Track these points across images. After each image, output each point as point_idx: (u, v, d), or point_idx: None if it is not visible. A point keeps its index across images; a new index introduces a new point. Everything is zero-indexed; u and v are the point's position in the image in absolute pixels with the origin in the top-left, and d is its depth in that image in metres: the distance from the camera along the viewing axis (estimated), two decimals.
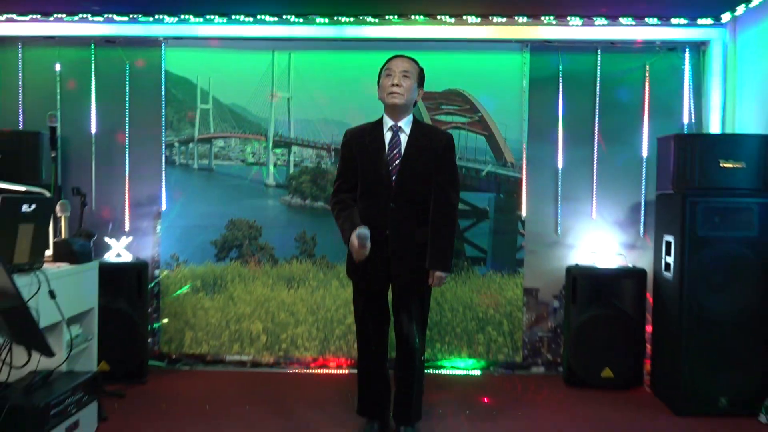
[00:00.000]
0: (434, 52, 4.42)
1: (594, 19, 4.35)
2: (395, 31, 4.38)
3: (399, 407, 3.20)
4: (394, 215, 3.00)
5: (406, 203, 3.01)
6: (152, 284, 4.45)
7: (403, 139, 3.05)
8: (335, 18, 4.38)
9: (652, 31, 4.34)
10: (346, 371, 4.41)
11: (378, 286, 3.09)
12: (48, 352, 2.05)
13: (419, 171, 3.03)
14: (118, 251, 4.26)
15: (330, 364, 4.48)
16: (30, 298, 2.46)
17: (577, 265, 4.29)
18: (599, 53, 4.44)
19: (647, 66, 4.43)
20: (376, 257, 3.01)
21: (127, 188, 4.54)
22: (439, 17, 4.38)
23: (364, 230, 2.88)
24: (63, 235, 3.33)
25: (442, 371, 4.43)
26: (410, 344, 3.11)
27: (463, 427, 3.41)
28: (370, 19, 4.38)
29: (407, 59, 3.09)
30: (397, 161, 3.02)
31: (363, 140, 3.07)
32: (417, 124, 3.12)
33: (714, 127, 4.31)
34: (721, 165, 3.65)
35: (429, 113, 4.45)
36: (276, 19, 4.40)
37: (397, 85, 2.99)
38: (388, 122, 3.06)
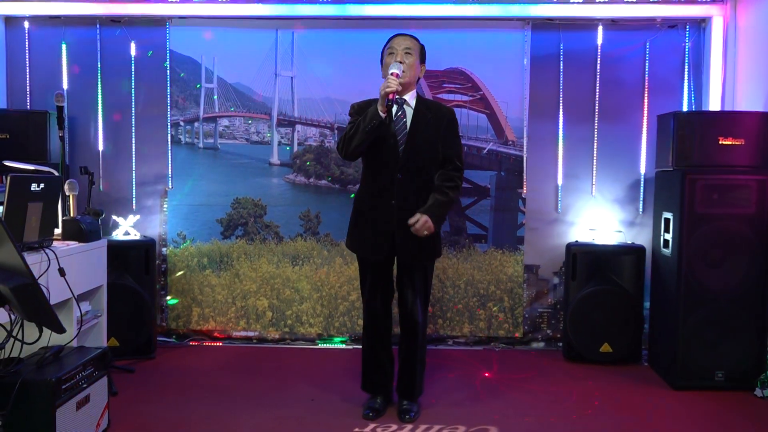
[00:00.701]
0: (436, 30, 4.43)
1: None
2: (397, 10, 4.37)
3: (402, 382, 3.27)
4: (401, 185, 3.06)
5: (413, 174, 3.07)
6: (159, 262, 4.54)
7: (409, 112, 3.12)
8: None
9: (652, 9, 4.31)
10: (349, 347, 4.49)
11: (382, 257, 3.13)
12: (59, 329, 2.11)
13: (425, 143, 3.09)
14: (126, 229, 4.33)
15: (334, 339, 4.56)
16: (40, 276, 2.52)
17: (576, 242, 4.33)
18: (600, 31, 4.42)
19: (648, 43, 4.42)
20: (380, 227, 3.08)
21: (133, 167, 4.59)
22: None
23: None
24: (71, 214, 3.38)
25: (444, 346, 4.50)
26: (414, 319, 3.18)
27: (465, 402, 3.47)
28: None
29: (408, 37, 3.14)
30: (404, 132, 3.08)
31: None
32: (421, 99, 3.19)
33: (714, 105, 4.30)
34: (721, 142, 3.67)
35: (431, 91, 4.46)
36: None
37: (401, 62, 3.04)
38: None
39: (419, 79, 3.21)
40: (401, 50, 3.07)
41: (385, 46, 3.16)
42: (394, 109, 3.08)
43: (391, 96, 2.90)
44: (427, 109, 3.15)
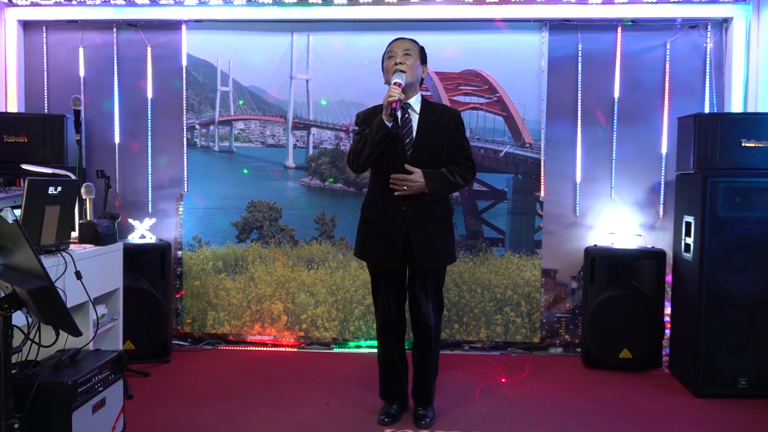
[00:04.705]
0: (452, 32, 4.41)
1: None
2: (414, 12, 4.35)
3: (416, 387, 3.24)
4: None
5: None
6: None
7: (414, 116, 3.09)
8: None
9: (673, 9, 4.25)
10: (365, 351, 4.45)
11: (395, 264, 3.09)
12: (75, 332, 2.09)
13: (432, 147, 3.07)
14: (142, 233, 4.34)
15: (349, 344, 4.54)
16: (57, 279, 2.51)
17: (595, 245, 4.27)
18: (619, 31, 4.37)
19: (668, 44, 4.36)
20: (392, 234, 3.05)
21: (149, 170, 4.60)
22: None
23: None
24: (88, 217, 3.39)
25: (461, 351, 4.46)
26: (426, 324, 3.15)
27: (481, 408, 3.43)
28: None
29: (407, 39, 3.14)
30: (410, 138, 3.06)
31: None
32: (425, 102, 3.16)
33: (736, 106, 4.23)
34: (743, 144, 3.62)
35: (447, 94, 4.43)
36: (295, 0, 4.40)
37: (401, 62, 3.03)
38: None
39: (423, 80, 3.19)
40: (400, 52, 3.06)
41: (384, 52, 3.16)
42: (399, 114, 3.06)
43: (394, 104, 2.89)
44: (432, 112, 3.12)
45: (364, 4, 4.38)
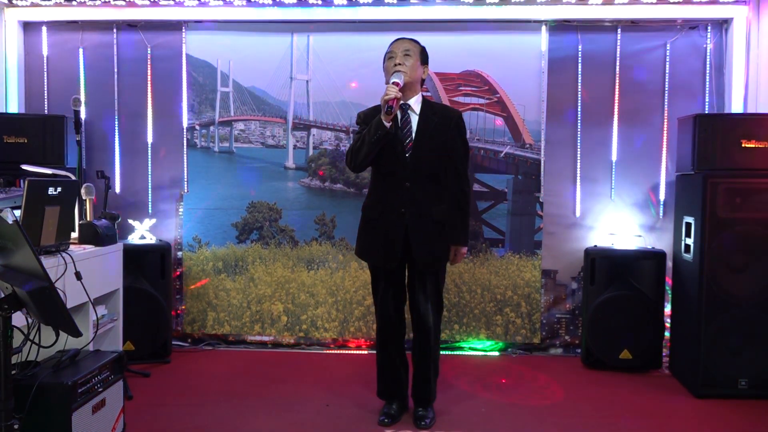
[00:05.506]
0: (452, 33, 4.41)
1: None
2: (414, 12, 4.35)
3: (416, 388, 3.24)
4: (410, 193, 3.04)
5: (421, 180, 3.04)
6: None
7: (414, 117, 3.09)
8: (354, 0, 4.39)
9: (673, 9, 4.25)
10: (365, 352, 4.45)
11: (395, 264, 3.10)
12: (75, 332, 2.09)
13: (432, 147, 3.06)
14: (142, 233, 4.34)
15: (349, 344, 4.53)
16: (57, 280, 2.51)
17: (595, 246, 4.27)
18: (619, 32, 4.37)
19: (668, 45, 4.36)
20: (392, 235, 3.05)
21: (149, 171, 4.60)
22: None
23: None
24: (88, 218, 3.39)
25: (461, 352, 4.46)
26: (426, 324, 3.15)
27: (481, 409, 3.42)
28: (388, 0, 4.35)
29: (407, 40, 3.14)
30: (410, 138, 3.05)
31: None
32: (426, 102, 3.16)
33: (736, 107, 4.23)
34: (743, 145, 3.62)
35: (447, 94, 4.43)
36: (295, 1, 4.40)
37: (400, 63, 3.03)
38: None
39: (423, 81, 3.19)
40: (400, 53, 3.06)
41: (385, 53, 3.15)
42: (399, 114, 3.06)
43: (391, 102, 2.88)
44: (433, 113, 3.11)
45: (364, 5, 4.38)
